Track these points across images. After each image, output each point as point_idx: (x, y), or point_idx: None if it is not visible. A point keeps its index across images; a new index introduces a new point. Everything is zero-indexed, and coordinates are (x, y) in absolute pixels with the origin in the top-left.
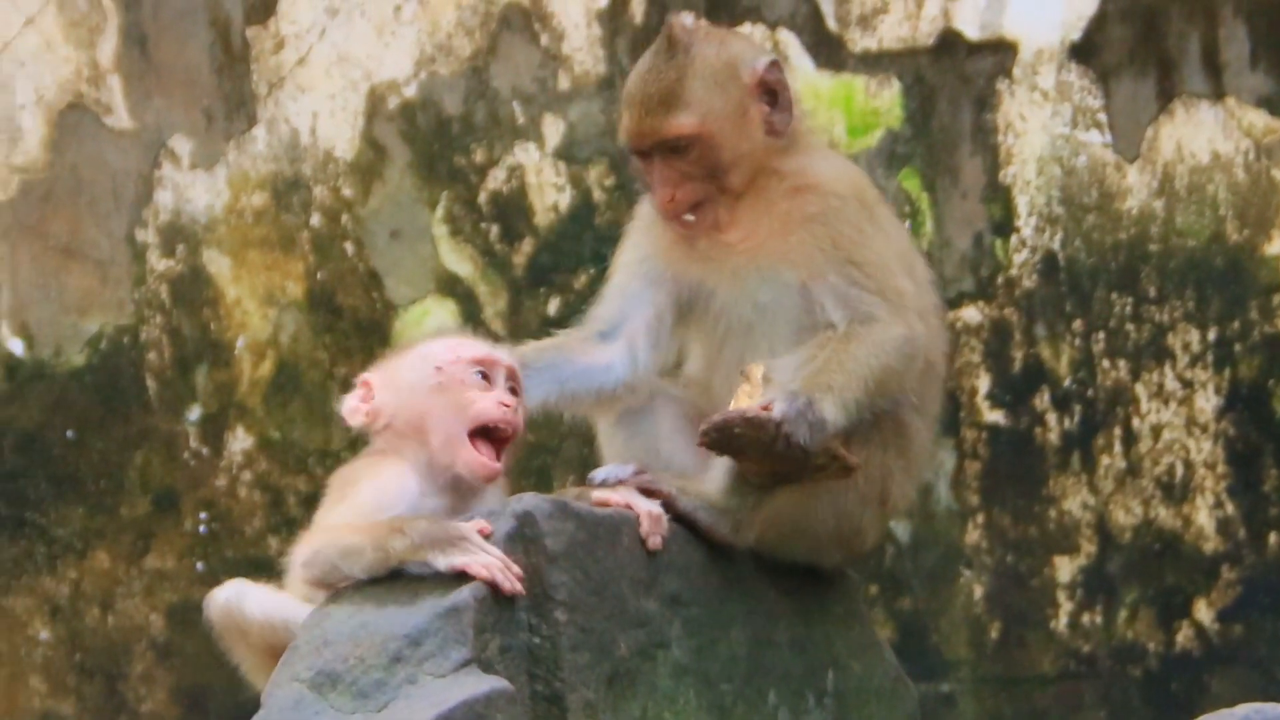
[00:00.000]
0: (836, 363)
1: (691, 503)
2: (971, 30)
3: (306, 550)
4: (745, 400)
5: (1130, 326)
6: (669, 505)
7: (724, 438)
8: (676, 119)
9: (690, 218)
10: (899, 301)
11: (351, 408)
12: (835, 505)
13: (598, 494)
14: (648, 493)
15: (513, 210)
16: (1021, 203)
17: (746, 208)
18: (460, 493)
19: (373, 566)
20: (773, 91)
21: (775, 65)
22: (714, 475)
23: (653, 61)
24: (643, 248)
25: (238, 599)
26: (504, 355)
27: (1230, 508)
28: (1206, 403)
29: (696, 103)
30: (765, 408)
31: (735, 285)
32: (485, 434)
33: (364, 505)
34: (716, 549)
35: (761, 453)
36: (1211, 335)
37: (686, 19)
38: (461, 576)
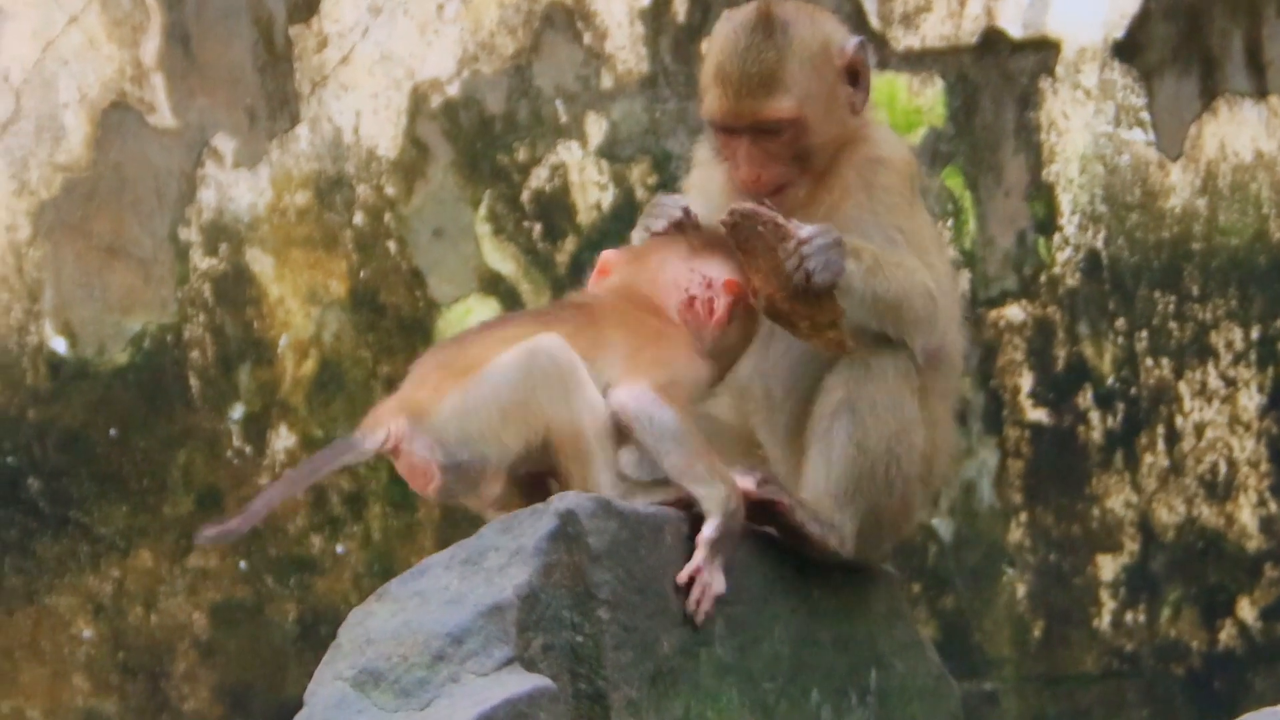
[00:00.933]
0: (875, 253)
1: (806, 514)
2: (1014, 29)
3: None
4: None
5: (1173, 325)
6: (784, 514)
7: (746, 228)
8: (776, 101)
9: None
10: (933, 272)
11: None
12: (897, 489)
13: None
14: (765, 502)
15: (555, 209)
16: (1064, 201)
17: (820, 184)
18: None
19: (681, 475)
20: (856, 72)
21: (863, 45)
22: (820, 488)
23: (750, 39)
24: (700, 200)
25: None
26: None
27: (1273, 506)
28: (1249, 401)
29: (795, 86)
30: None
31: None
32: None
33: (687, 382)
34: (759, 548)
35: (770, 266)
36: (1254, 334)
37: None
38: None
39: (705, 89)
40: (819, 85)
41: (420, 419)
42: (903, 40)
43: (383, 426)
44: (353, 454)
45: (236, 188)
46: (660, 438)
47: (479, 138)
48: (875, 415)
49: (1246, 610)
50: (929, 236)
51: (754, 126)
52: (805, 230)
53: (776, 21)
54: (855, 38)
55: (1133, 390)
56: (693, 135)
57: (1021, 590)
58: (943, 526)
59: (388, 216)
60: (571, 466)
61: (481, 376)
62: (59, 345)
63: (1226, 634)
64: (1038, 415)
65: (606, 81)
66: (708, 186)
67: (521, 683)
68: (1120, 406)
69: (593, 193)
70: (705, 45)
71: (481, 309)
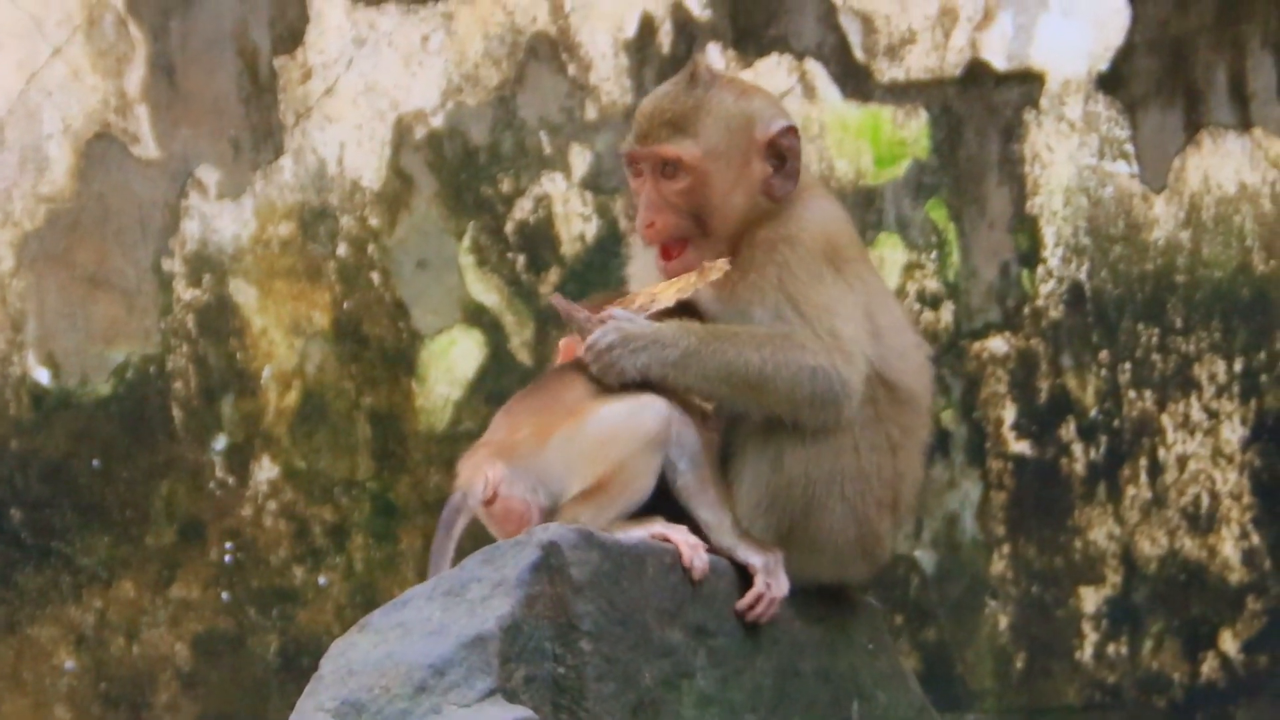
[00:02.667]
0: (717, 336)
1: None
2: (999, 61)
3: None
4: (669, 287)
5: (1156, 357)
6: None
7: (560, 313)
8: (677, 142)
9: (662, 262)
10: (830, 340)
11: None
12: (853, 513)
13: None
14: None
15: (539, 240)
16: (1048, 233)
17: (733, 261)
18: None
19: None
20: (781, 156)
21: (791, 131)
22: (740, 506)
23: (672, 88)
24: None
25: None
26: None
27: (1256, 538)
28: (1232, 433)
29: (701, 136)
30: (602, 318)
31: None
32: None
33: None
34: (743, 578)
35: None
36: (1238, 366)
37: (715, 62)
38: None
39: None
40: (728, 147)
41: (520, 461)
42: (887, 72)
43: (480, 475)
44: (466, 513)
45: (220, 219)
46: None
47: (463, 169)
48: (792, 438)
49: (1229, 642)
50: (843, 303)
51: (654, 162)
52: (593, 334)
53: (703, 77)
54: (785, 121)
55: (1115, 422)
56: None
57: (1004, 622)
58: (925, 558)
59: (371, 248)
60: (600, 501)
61: (587, 421)
62: (42, 376)
63: (1209, 666)
64: (1021, 447)
65: (590, 113)
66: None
67: (504, 714)
68: (1103, 439)
69: (576, 224)
70: None
71: (465, 340)
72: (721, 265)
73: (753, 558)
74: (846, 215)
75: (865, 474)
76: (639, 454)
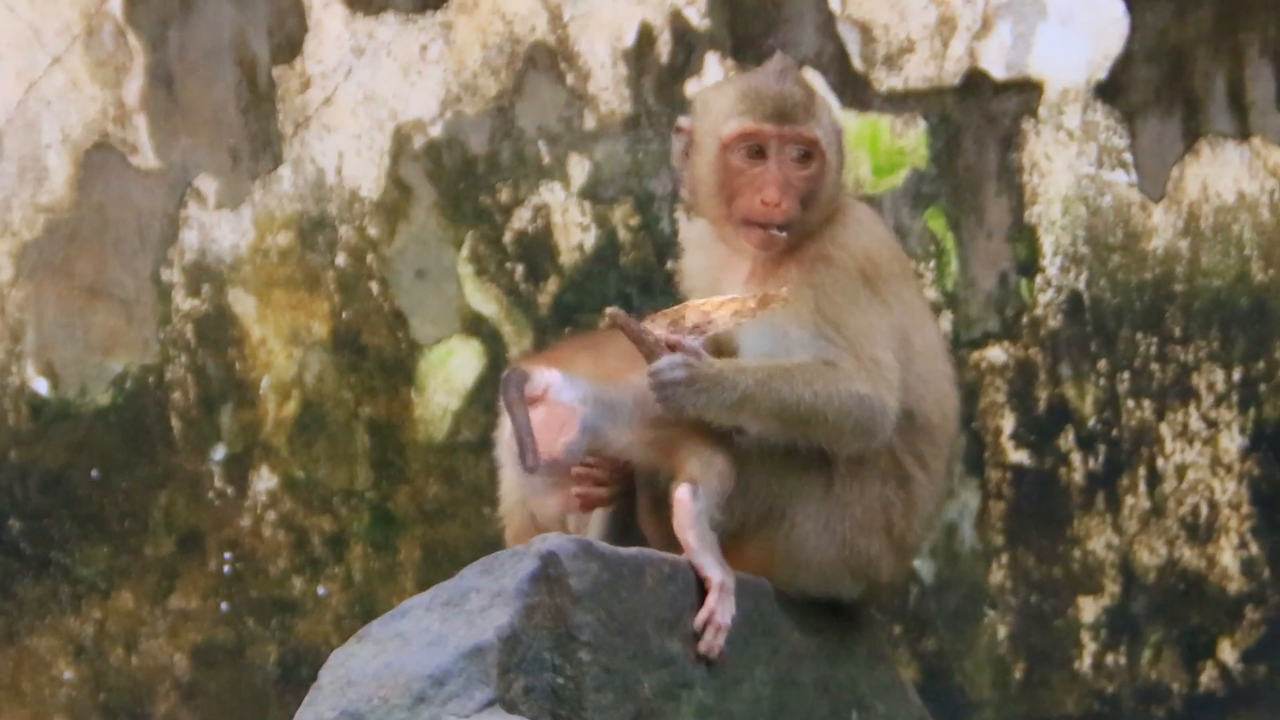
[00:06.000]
0: (770, 374)
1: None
2: (997, 70)
3: None
4: (722, 307)
5: (1155, 366)
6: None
7: (625, 334)
8: (812, 125)
9: (777, 232)
10: (873, 368)
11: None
12: (832, 535)
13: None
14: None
15: (538, 250)
16: (1047, 242)
17: (786, 259)
18: None
19: None
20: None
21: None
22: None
23: (782, 76)
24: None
25: None
26: None
27: (1255, 548)
28: (1231, 443)
29: (821, 127)
30: (672, 345)
31: (731, 341)
32: None
33: None
34: (741, 589)
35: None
36: (1236, 375)
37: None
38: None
39: (728, 115)
40: (834, 142)
41: (580, 377)
42: (885, 81)
43: (537, 372)
44: (527, 385)
45: (219, 228)
46: None
47: (461, 179)
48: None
49: (1227, 652)
50: (881, 328)
51: (790, 143)
52: (657, 362)
53: (803, 78)
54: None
55: (1114, 432)
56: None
57: (1003, 632)
58: (924, 568)
59: (370, 257)
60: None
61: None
62: (41, 386)
63: (1207, 676)
64: (1019, 457)
65: (589, 122)
66: (701, 270)
67: None
68: (1102, 448)
69: (575, 234)
70: (698, 98)
71: (464, 350)
72: (783, 294)
73: (712, 571)
74: (887, 229)
75: (841, 499)
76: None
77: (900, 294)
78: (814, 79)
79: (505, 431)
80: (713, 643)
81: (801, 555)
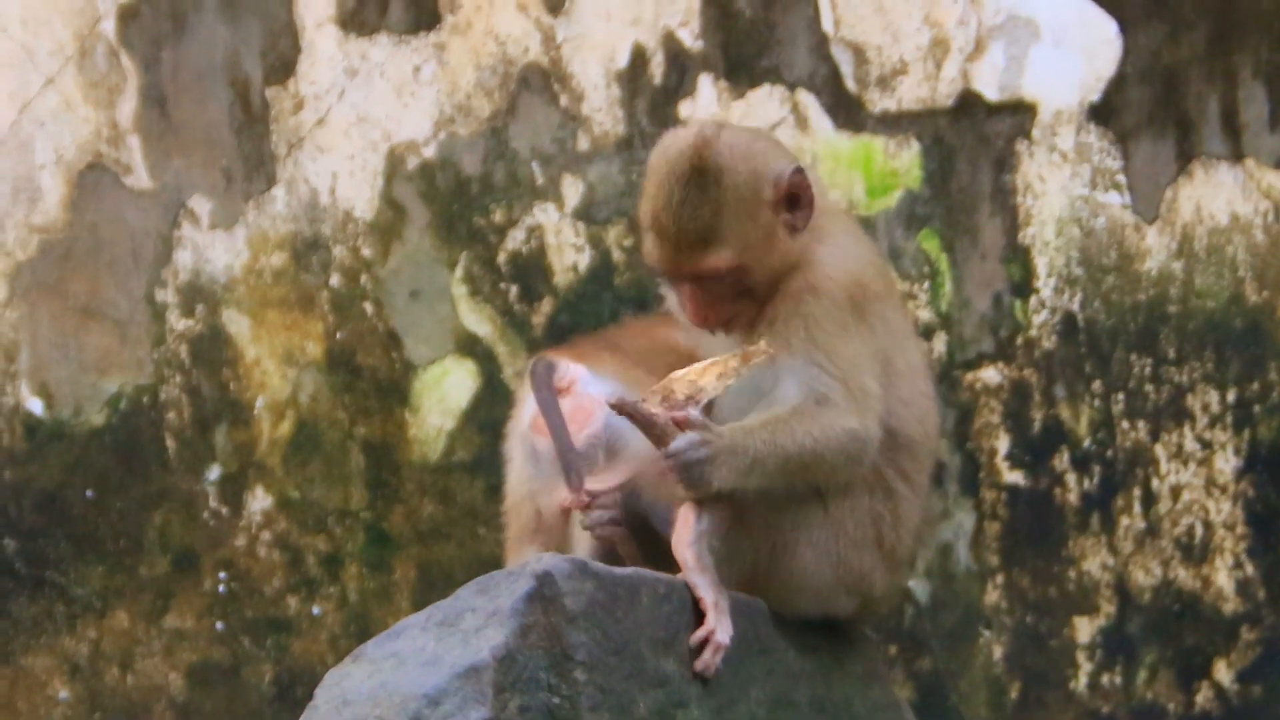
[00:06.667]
0: (773, 431)
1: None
2: (991, 92)
3: None
4: (706, 373)
5: (1149, 387)
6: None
7: (627, 417)
8: (715, 255)
9: (720, 333)
10: (861, 399)
11: None
12: (828, 556)
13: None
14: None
15: (532, 270)
16: (1041, 264)
17: (761, 311)
18: None
19: None
20: (795, 195)
21: (799, 171)
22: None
23: (684, 193)
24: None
25: None
26: None
27: (1250, 568)
28: (1226, 464)
29: (731, 237)
30: (680, 423)
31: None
32: None
33: None
34: (737, 609)
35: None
36: (1231, 396)
37: (709, 125)
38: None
39: (643, 231)
40: (755, 229)
41: (606, 374)
42: (879, 103)
43: (564, 364)
44: (555, 375)
45: (213, 249)
46: None
47: (455, 199)
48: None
49: (1223, 673)
50: (867, 354)
51: (694, 276)
52: (675, 443)
53: (710, 170)
54: (790, 165)
55: (1109, 453)
56: None
57: (998, 652)
58: (919, 588)
59: (364, 278)
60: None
61: None
62: (35, 406)
63: (1203, 696)
64: (1014, 477)
65: (583, 143)
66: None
67: None
68: (1097, 469)
69: (569, 254)
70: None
71: (458, 370)
72: (764, 348)
73: (706, 592)
74: (871, 247)
75: (835, 518)
76: None
77: (884, 315)
78: (807, 101)
79: (520, 424)
80: (710, 661)
81: (801, 580)
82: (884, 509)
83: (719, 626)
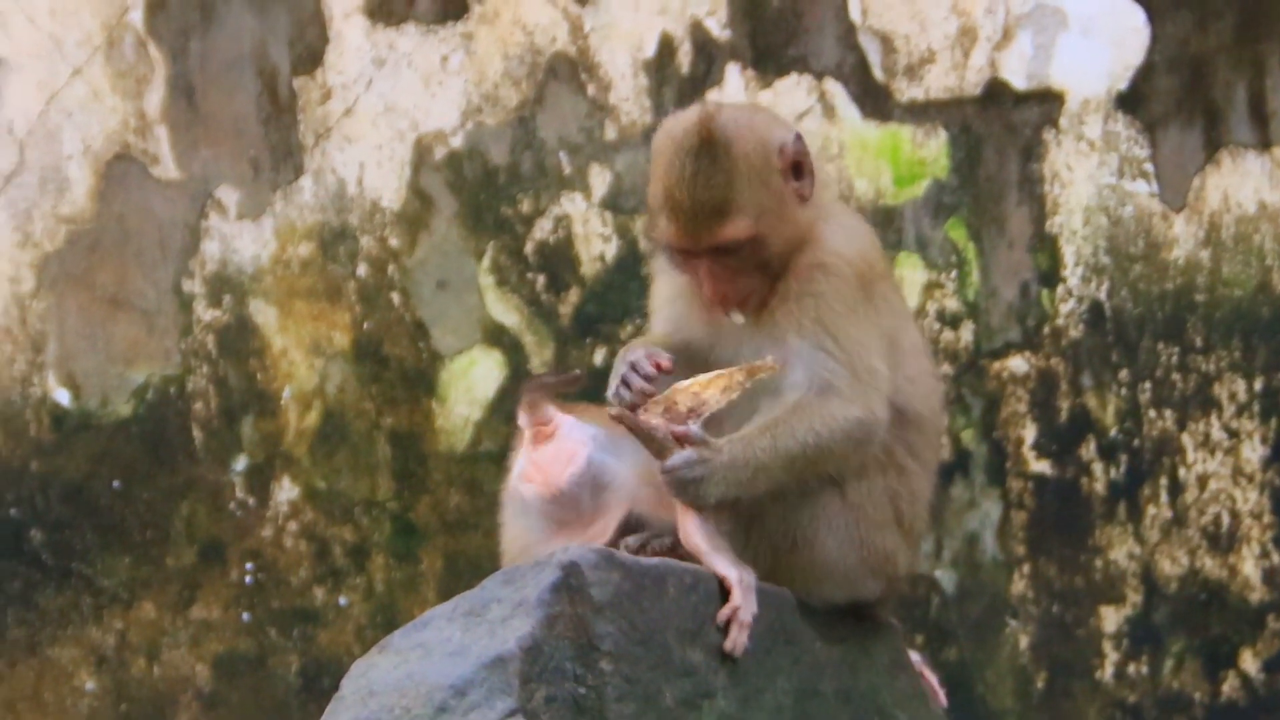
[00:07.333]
0: (774, 437)
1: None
2: (1018, 80)
3: None
4: (710, 385)
5: (1176, 376)
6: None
7: (627, 429)
8: (731, 225)
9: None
10: (868, 380)
11: None
12: (851, 540)
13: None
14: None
15: (559, 260)
16: (1068, 252)
17: (772, 287)
18: None
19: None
20: (798, 164)
21: (799, 138)
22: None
23: (695, 165)
24: (666, 290)
25: None
26: None
27: (1276, 558)
28: (1253, 453)
29: (747, 205)
30: (679, 437)
31: (729, 347)
32: None
33: None
34: (763, 599)
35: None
36: (1258, 385)
37: (709, 104)
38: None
39: (655, 212)
40: (768, 195)
41: (585, 418)
42: (906, 92)
43: (550, 407)
44: (540, 413)
45: (240, 239)
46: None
47: (482, 189)
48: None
49: (1249, 662)
50: (874, 335)
51: (712, 250)
52: (671, 460)
53: (718, 141)
54: (789, 131)
55: (1136, 442)
56: None
57: (1024, 642)
58: (945, 578)
59: (391, 268)
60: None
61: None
62: (62, 397)
63: (1229, 685)
64: (1041, 467)
65: (610, 133)
66: (674, 297)
67: None
68: (1123, 458)
69: (596, 244)
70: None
71: (485, 361)
72: (769, 363)
73: (728, 570)
74: (870, 229)
75: (854, 503)
76: None
77: (887, 296)
78: (835, 90)
79: (510, 481)
80: (737, 639)
81: (826, 568)
82: (899, 486)
83: (744, 604)
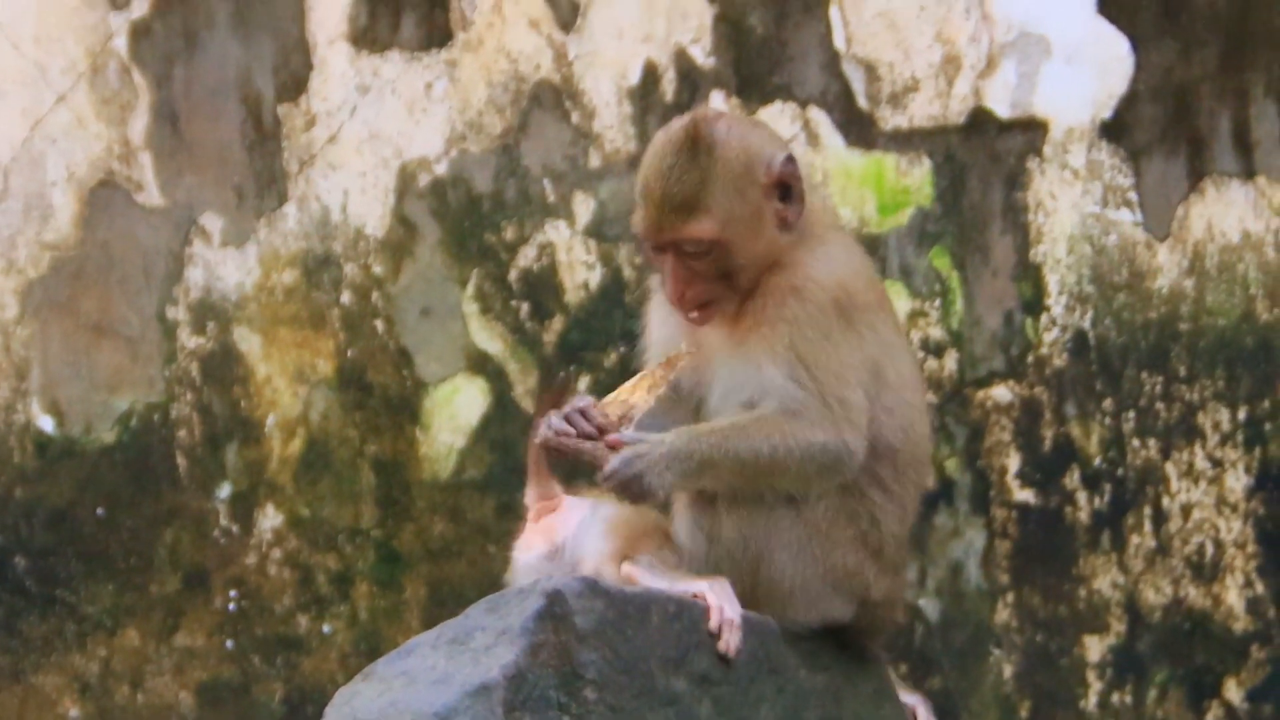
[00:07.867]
0: (726, 435)
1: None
2: (1002, 109)
3: None
4: (636, 390)
5: (1160, 405)
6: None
7: (555, 454)
8: (697, 224)
9: (695, 315)
10: (839, 411)
11: None
12: (805, 555)
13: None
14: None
15: (543, 288)
16: (1052, 281)
17: (744, 305)
18: None
19: None
20: (786, 186)
21: (790, 160)
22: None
23: (675, 159)
24: (654, 318)
25: None
26: None
27: (1260, 587)
28: (1236, 482)
29: (717, 208)
30: (612, 445)
31: (706, 372)
32: None
33: None
34: (747, 627)
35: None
36: (1242, 414)
37: (710, 109)
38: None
39: (636, 204)
40: (743, 207)
41: (587, 496)
42: (890, 120)
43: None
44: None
45: (224, 266)
46: None
47: (466, 217)
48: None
49: (1233, 691)
50: (852, 364)
51: (676, 245)
52: (608, 465)
53: (703, 142)
54: (783, 153)
55: (1120, 471)
56: None
57: (1008, 671)
58: (929, 607)
59: (375, 295)
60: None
61: None
62: (46, 424)
63: (1213, 715)
64: (1025, 496)
65: (594, 160)
66: (666, 315)
67: None
68: (1107, 487)
69: (580, 272)
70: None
71: (469, 388)
72: (686, 353)
73: (696, 586)
74: (862, 255)
75: (809, 519)
76: None
77: (874, 325)
78: (819, 118)
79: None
80: (729, 640)
81: (786, 586)
82: (859, 507)
83: (724, 605)
